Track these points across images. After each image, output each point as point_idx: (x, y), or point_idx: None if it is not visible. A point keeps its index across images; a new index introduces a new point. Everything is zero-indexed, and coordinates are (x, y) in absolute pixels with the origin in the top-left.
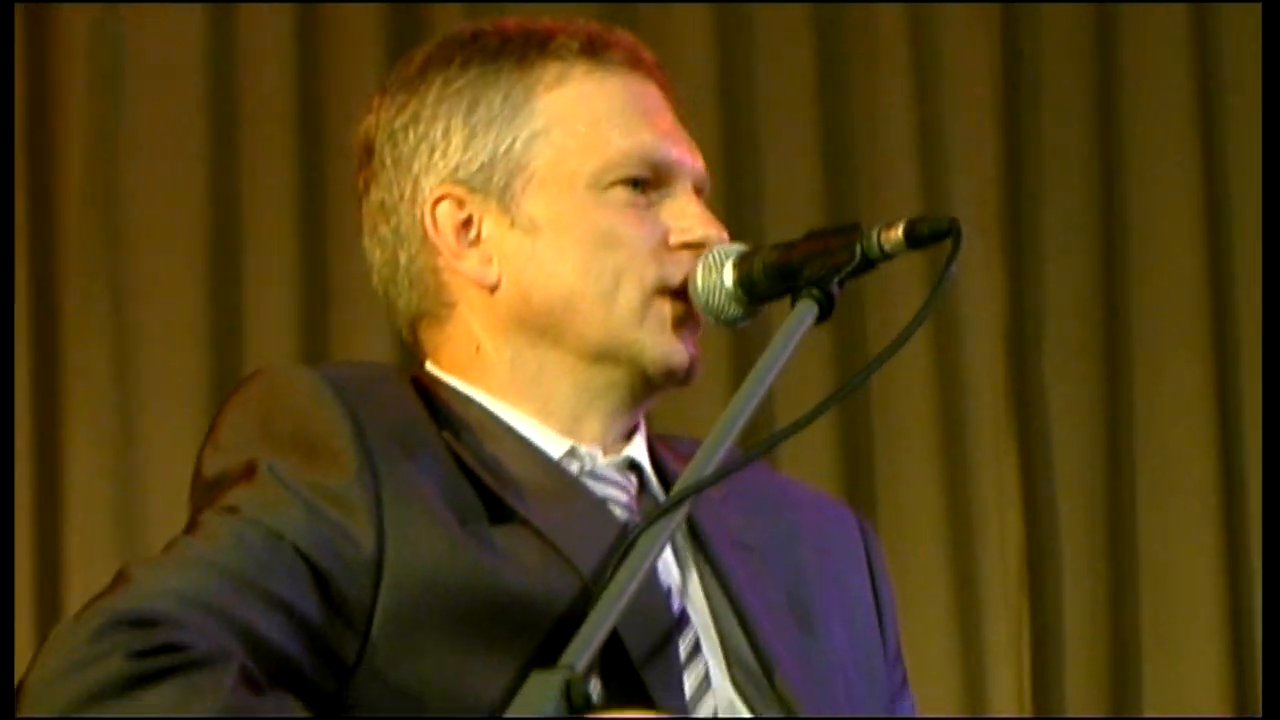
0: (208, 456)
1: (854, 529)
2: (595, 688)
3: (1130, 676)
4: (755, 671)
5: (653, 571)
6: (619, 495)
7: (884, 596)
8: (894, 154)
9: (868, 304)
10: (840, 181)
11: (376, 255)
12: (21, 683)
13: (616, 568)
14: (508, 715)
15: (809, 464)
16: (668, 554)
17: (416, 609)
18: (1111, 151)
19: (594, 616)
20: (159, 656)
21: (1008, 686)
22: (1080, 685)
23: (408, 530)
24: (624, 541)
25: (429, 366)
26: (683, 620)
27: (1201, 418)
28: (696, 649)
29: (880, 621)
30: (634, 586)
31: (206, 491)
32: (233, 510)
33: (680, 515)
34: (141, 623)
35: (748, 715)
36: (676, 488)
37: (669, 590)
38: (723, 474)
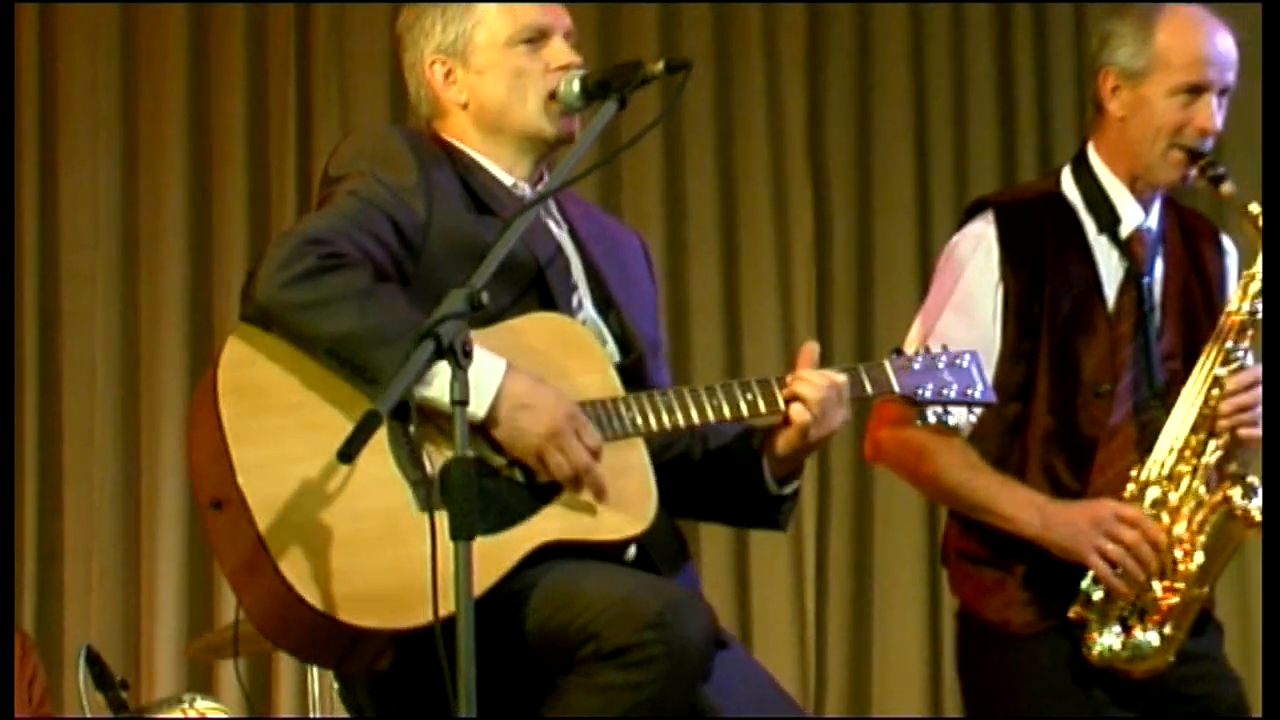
0: (333, 165)
1: (639, 244)
2: (485, 296)
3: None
4: (601, 298)
5: (556, 241)
6: (539, 208)
7: (655, 284)
8: None
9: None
10: None
11: (411, 86)
12: (251, 275)
13: (503, 233)
14: (436, 314)
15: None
16: (563, 233)
17: (442, 249)
18: None
19: (489, 260)
20: (332, 258)
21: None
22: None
23: (442, 209)
24: (513, 219)
25: (439, 133)
26: (570, 269)
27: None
28: (577, 285)
29: (654, 295)
30: (508, 244)
31: (332, 183)
32: (353, 192)
33: (537, 208)
34: (317, 241)
35: (602, 325)
36: (539, 191)
37: (565, 253)
38: (564, 183)
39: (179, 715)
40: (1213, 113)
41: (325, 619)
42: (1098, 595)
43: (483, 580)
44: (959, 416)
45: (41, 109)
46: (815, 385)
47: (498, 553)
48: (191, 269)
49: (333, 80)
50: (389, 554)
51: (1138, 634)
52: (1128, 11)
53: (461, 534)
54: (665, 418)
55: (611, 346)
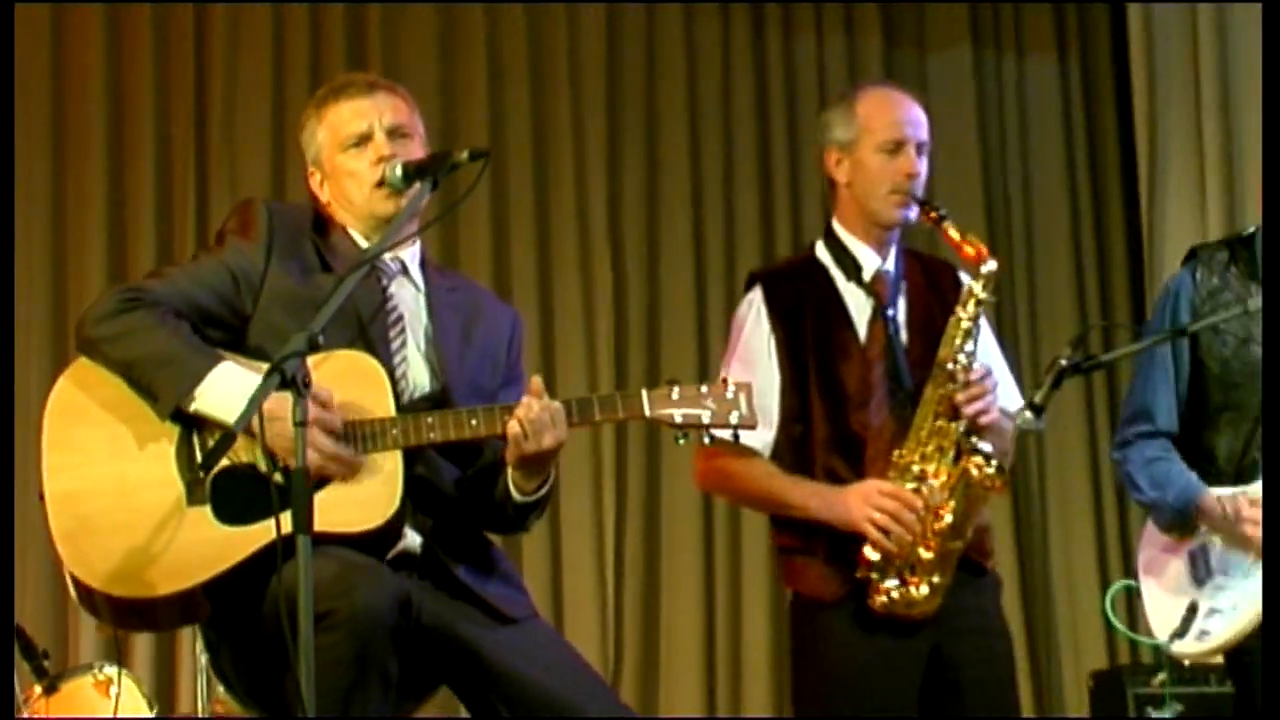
0: (221, 228)
1: (511, 321)
2: (321, 339)
3: None
4: (431, 343)
5: (387, 297)
6: (387, 268)
7: (515, 348)
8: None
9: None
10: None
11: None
12: (82, 316)
13: (335, 288)
14: (283, 351)
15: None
16: (410, 291)
17: (276, 298)
18: None
19: (324, 309)
20: (132, 301)
21: None
22: None
23: (278, 264)
24: (345, 275)
25: (328, 209)
26: (399, 319)
27: None
28: (404, 331)
29: (508, 355)
30: (341, 296)
31: (213, 244)
32: (209, 251)
33: (365, 268)
34: (129, 288)
35: (428, 374)
36: (360, 257)
37: (396, 306)
38: (380, 251)
39: (89, 679)
40: (914, 160)
41: (91, 590)
42: (875, 557)
43: (230, 558)
44: (756, 439)
45: None
46: (527, 407)
47: (243, 540)
48: None
49: (224, 156)
50: (155, 539)
51: (911, 585)
52: (835, 100)
53: (300, 528)
54: (414, 435)
55: (424, 378)
